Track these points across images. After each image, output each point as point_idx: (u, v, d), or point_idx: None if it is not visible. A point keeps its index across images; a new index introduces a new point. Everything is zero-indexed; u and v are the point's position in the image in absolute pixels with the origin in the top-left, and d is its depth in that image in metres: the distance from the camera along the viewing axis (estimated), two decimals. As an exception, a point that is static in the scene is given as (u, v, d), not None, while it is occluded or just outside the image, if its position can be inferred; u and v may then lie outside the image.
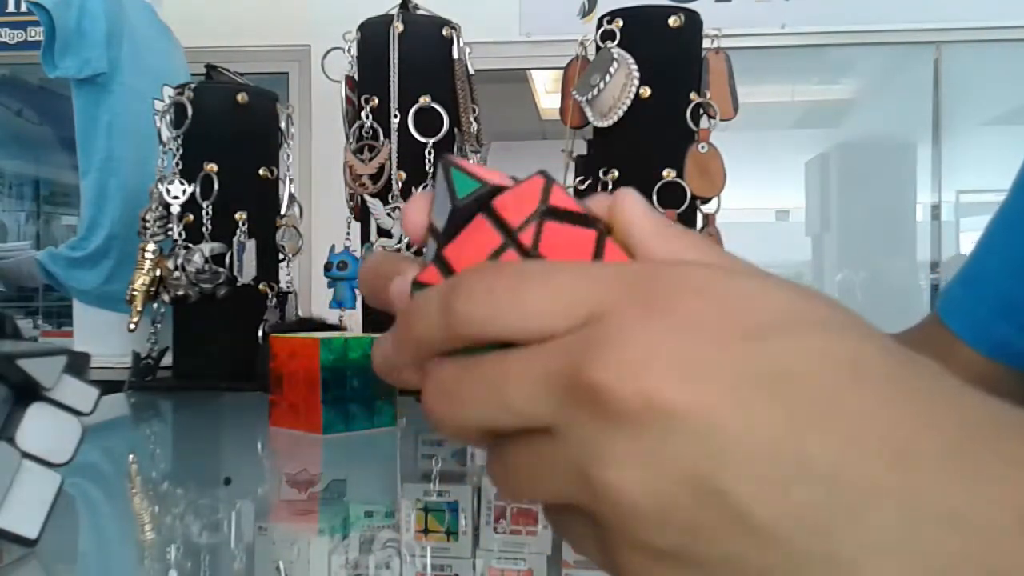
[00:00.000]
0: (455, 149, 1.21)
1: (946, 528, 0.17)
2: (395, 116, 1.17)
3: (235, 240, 1.26)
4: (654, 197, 1.10)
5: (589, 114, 1.12)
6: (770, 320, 0.19)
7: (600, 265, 0.21)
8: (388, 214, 1.18)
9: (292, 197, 1.35)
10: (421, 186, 1.17)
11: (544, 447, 0.20)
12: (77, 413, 0.44)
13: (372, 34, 1.21)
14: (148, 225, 1.25)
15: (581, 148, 1.21)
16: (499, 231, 0.22)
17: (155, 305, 1.27)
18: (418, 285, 0.23)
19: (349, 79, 1.24)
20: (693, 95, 1.12)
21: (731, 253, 0.23)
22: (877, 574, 0.17)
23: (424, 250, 0.24)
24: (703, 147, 1.11)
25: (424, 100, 1.18)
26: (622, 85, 1.09)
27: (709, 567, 0.18)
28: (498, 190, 0.22)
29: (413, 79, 1.18)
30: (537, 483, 0.20)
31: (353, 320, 1.21)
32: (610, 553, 0.20)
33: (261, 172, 1.31)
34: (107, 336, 1.58)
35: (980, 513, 0.17)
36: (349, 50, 1.24)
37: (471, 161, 1.19)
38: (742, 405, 0.18)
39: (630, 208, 0.23)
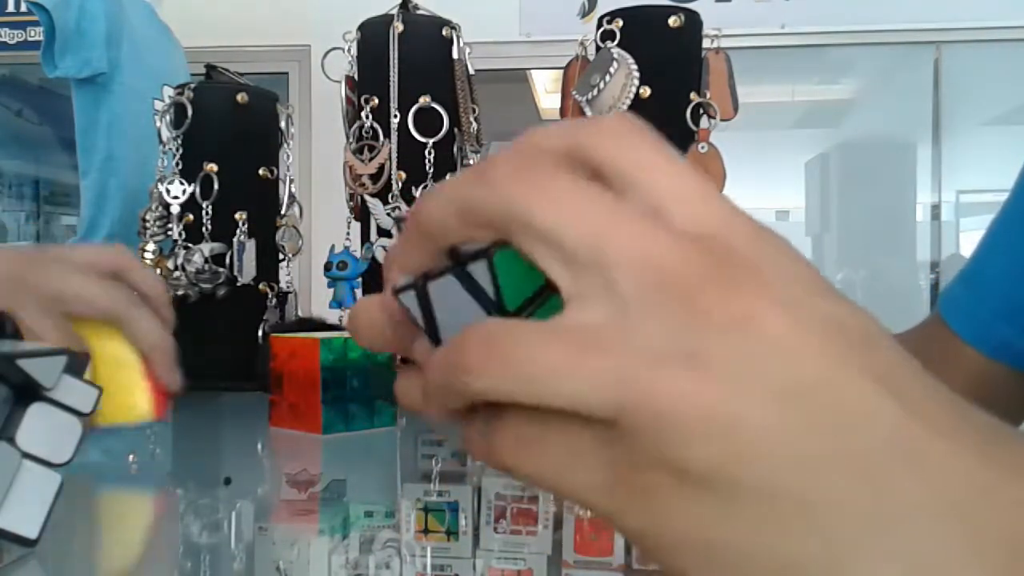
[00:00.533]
0: (455, 149, 1.21)
1: (979, 499, 0.17)
2: (395, 116, 1.17)
3: (235, 240, 1.26)
4: (654, 197, 1.10)
5: (589, 114, 1.12)
6: (822, 287, 0.20)
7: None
8: (388, 214, 1.18)
9: (292, 197, 1.35)
10: (421, 186, 1.17)
11: (592, 323, 0.19)
12: (77, 413, 0.44)
13: (372, 34, 1.21)
14: (148, 225, 1.25)
15: (581, 148, 1.20)
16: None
17: (155, 305, 1.27)
18: None
19: (349, 79, 1.24)
20: (693, 95, 1.12)
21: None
22: (912, 531, 0.17)
23: None
24: (703, 147, 1.11)
25: (424, 100, 1.18)
26: (622, 85, 1.09)
27: (739, 496, 0.18)
28: None
29: (413, 79, 1.18)
30: (563, 374, 0.18)
31: (353, 320, 1.21)
32: (626, 474, 0.19)
33: (261, 172, 1.31)
34: (107, 336, 1.58)
35: (1013, 489, 0.18)
36: (349, 50, 1.24)
37: (471, 161, 1.19)
38: (823, 342, 0.18)
39: None
